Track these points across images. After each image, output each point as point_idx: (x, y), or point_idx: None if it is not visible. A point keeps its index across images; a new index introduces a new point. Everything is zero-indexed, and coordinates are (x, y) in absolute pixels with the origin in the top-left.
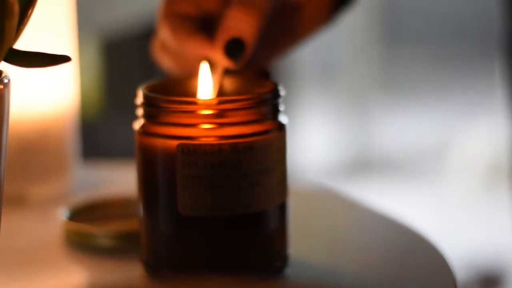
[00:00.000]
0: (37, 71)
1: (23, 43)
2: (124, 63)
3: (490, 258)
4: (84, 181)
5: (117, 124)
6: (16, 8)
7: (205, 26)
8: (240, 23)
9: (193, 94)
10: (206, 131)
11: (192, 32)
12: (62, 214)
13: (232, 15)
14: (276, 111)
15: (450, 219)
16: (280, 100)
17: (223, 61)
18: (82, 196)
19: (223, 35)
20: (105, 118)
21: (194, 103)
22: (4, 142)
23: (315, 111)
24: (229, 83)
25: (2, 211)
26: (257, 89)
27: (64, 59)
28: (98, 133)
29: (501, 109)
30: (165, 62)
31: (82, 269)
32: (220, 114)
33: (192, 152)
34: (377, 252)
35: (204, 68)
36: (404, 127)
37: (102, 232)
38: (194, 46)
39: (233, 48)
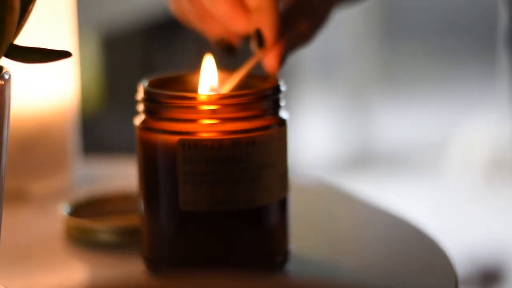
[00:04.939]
0: (37, 66)
1: (23, 39)
2: (124, 58)
3: (491, 253)
4: (84, 177)
5: (118, 119)
6: (16, 3)
7: None
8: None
9: (194, 90)
10: (207, 127)
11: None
12: (63, 209)
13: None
14: (277, 107)
15: (451, 214)
16: (281, 96)
17: (272, 63)
18: (83, 191)
19: (286, 45)
20: (106, 113)
21: (195, 98)
22: (5, 137)
23: (315, 106)
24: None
25: (2, 206)
26: (258, 85)
27: (65, 54)
28: (98, 128)
29: (503, 103)
30: (190, 18)
31: (83, 265)
32: (221, 109)
33: (193, 148)
34: (378, 247)
35: (206, 63)
36: (405, 121)
37: (103, 228)
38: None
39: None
